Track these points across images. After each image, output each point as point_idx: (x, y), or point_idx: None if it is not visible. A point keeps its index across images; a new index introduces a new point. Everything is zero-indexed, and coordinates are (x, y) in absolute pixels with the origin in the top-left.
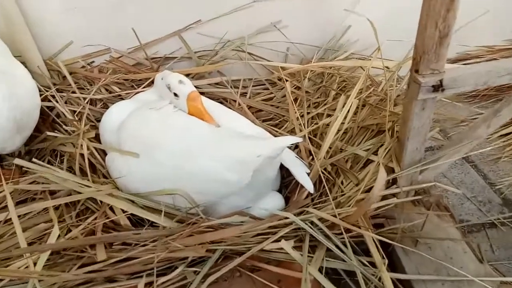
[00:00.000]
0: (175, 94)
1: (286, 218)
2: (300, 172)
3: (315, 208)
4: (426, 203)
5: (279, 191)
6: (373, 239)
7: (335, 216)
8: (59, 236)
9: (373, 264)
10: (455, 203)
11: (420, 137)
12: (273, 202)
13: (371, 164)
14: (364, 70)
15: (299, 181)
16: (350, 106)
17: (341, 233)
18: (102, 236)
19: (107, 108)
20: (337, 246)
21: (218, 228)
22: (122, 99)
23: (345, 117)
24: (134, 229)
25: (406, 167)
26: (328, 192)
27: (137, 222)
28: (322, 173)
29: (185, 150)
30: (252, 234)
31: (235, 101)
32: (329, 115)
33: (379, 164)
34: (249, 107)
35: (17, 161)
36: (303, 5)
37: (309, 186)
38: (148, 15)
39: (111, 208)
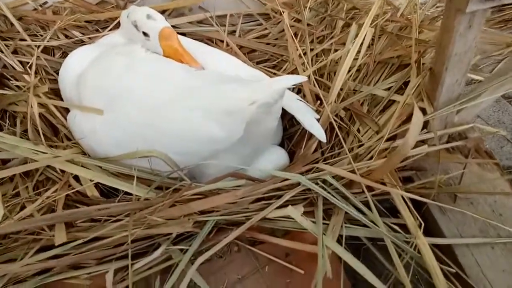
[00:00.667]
0: (145, 34)
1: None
2: (308, 118)
3: (327, 163)
4: (463, 149)
5: (281, 145)
6: (403, 198)
7: (353, 172)
8: (6, 217)
9: (403, 228)
10: (493, 147)
11: (463, 66)
12: (274, 159)
13: (393, 106)
14: None
15: (306, 128)
16: (365, 37)
17: (362, 192)
18: (56, 215)
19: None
20: (358, 209)
21: (209, 195)
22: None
23: (359, 51)
24: (103, 201)
25: (442, 106)
26: (343, 143)
27: (109, 192)
28: (334, 120)
29: (158, 102)
30: (250, 200)
31: (222, 41)
32: (337, 51)
33: (405, 104)
34: (240, 47)
35: None
36: None
37: (320, 133)
38: None
39: (77, 178)
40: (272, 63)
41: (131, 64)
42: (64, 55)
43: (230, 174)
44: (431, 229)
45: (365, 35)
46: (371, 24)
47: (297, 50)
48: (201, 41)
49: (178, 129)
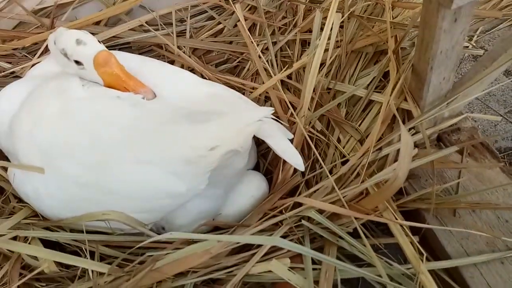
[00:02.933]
0: (77, 62)
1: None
2: (281, 143)
3: (308, 190)
4: (455, 142)
5: (257, 164)
6: (403, 228)
7: (339, 201)
8: None
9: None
10: (486, 127)
11: (450, 62)
12: (253, 189)
13: (373, 105)
14: None
15: (279, 155)
16: (332, 26)
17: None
18: None
19: None
20: (350, 244)
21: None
22: (20, 77)
23: (327, 43)
24: (65, 272)
25: (429, 107)
26: (323, 165)
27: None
28: (310, 133)
29: (101, 156)
30: (227, 251)
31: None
32: (304, 42)
33: (388, 106)
34: (194, 50)
35: None
36: None
37: (296, 161)
38: None
39: None
40: (233, 64)
41: (66, 109)
42: None
43: (204, 224)
44: (431, 244)
45: (332, 23)
46: (337, 8)
47: (257, 48)
48: (150, 49)
49: (131, 188)
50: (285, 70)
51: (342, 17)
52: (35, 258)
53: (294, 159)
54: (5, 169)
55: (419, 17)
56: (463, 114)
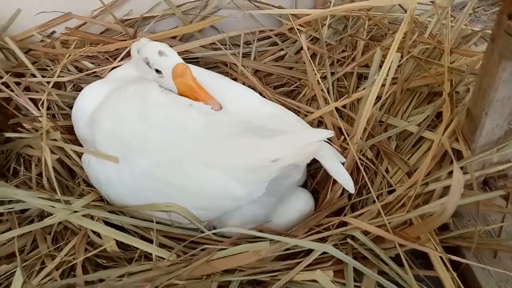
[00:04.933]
0: (157, 71)
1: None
2: (334, 165)
3: (354, 212)
4: (501, 188)
5: (304, 183)
6: (444, 262)
7: (384, 226)
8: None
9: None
10: None
11: (505, 111)
12: (301, 206)
13: (424, 142)
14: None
15: (332, 175)
16: (391, 64)
17: (394, 247)
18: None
19: (80, 91)
20: (392, 269)
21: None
22: (99, 76)
23: (384, 79)
24: (123, 254)
25: (480, 150)
26: (371, 190)
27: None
28: (360, 160)
29: (174, 156)
30: (274, 258)
31: (236, 65)
32: (360, 75)
33: (440, 144)
34: (256, 71)
35: None
36: None
37: (347, 183)
38: None
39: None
40: (290, 88)
41: (145, 111)
42: (76, 87)
43: (255, 228)
44: (469, 283)
45: (391, 62)
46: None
47: (316, 74)
48: (215, 65)
49: (198, 187)
50: (344, 99)
51: (401, 57)
52: (99, 237)
53: (346, 181)
54: (78, 155)
55: (477, 65)
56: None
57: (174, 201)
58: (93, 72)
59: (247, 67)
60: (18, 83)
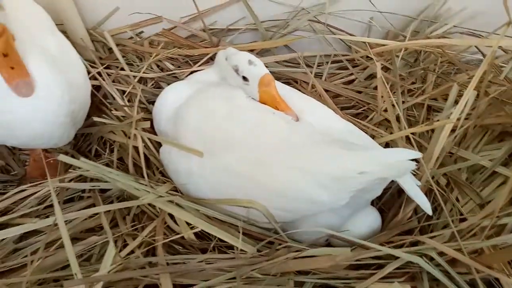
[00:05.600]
0: (244, 78)
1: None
2: (413, 187)
3: (424, 235)
4: None
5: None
6: None
7: (459, 250)
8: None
9: None
10: None
11: None
12: (370, 222)
13: (496, 177)
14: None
15: (411, 196)
16: (467, 101)
17: (467, 273)
18: (169, 267)
19: (158, 88)
20: None
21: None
22: (176, 77)
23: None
24: (198, 244)
25: None
26: (447, 214)
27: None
28: (430, 186)
29: (260, 156)
30: (347, 265)
31: (306, 83)
32: (429, 107)
33: None
34: (325, 91)
35: (62, 157)
36: None
37: (426, 205)
38: None
39: (171, 214)
40: (357, 111)
41: (233, 111)
42: (156, 85)
43: (330, 235)
44: None
45: (468, 99)
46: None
47: (392, 99)
48: (285, 81)
49: (282, 187)
50: (421, 126)
51: (477, 95)
52: (176, 223)
53: (424, 203)
54: (154, 146)
55: None
56: None
57: (254, 198)
58: (173, 73)
59: (320, 87)
60: (108, 74)
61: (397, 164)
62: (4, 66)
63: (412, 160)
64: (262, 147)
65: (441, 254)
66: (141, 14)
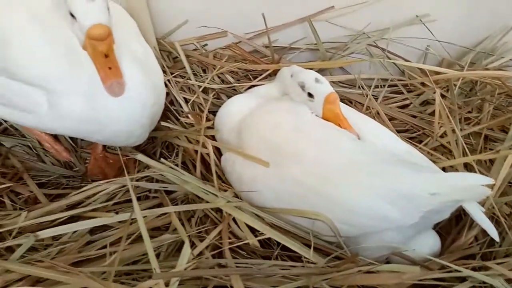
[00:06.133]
0: (310, 95)
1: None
2: (479, 213)
3: (484, 260)
4: None
5: None
6: None
7: None
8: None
9: None
10: None
11: None
12: (431, 244)
13: None
14: None
15: (476, 221)
16: None
17: None
18: (241, 269)
19: (218, 99)
20: None
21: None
22: (235, 90)
23: None
24: (261, 250)
25: None
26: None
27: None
28: (492, 214)
29: (327, 170)
30: (410, 284)
31: (361, 104)
32: (486, 137)
33: None
34: (378, 113)
35: (140, 157)
36: None
37: (492, 230)
38: None
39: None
40: (411, 134)
41: (300, 125)
42: (216, 95)
43: (395, 253)
44: None
45: None
46: None
47: (452, 128)
48: (341, 101)
49: (351, 202)
50: (490, 153)
51: None
52: (239, 228)
53: (491, 229)
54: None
55: None
56: None
57: (319, 209)
58: (233, 86)
59: (372, 108)
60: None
61: (471, 188)
62: (103, 66)
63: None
64: (329, 161)
65: (508, 281)
66: (207, 28)
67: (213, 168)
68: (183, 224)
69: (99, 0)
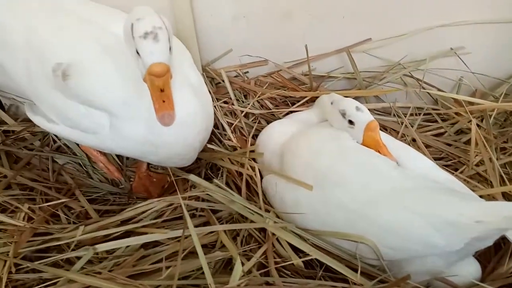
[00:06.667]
0: (350, 122)
1: None
2: None
3: None
4: None
5: None
6: None
7: None
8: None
9: None
10: None
11: None
12: (472, 271)
13: None
14: None
15: None
16: None
17: None
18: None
19: (258, 123)
20: None
21: None
22: (273, 115)
23: None
24: (305, 270)
25: None
26: None
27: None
28: None
29: (372, 195)
30: None
31: (395, 131)
32: None
33: None
34: (412, 140)
35: (192, 177)
36: (494, 31)
37: None
38: (313, 28)
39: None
40: (446, 162)
41: (343, 151)
42: (256, 120)
43: (437, 278)
44: None
45: None
46: None
47: (489, 157)
48: None
49: (395, 227)
50: None
51: None
52: (284, 250)
53: None
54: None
55: None
56: None
57: (362, 233)
58: (271, 111)
59: (407, 135)
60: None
61: None
62: (158, 99)
63: None
64: (375, 186)
65: None
66: (249, 56)
67: (260, 191)
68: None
69: (163, 42)
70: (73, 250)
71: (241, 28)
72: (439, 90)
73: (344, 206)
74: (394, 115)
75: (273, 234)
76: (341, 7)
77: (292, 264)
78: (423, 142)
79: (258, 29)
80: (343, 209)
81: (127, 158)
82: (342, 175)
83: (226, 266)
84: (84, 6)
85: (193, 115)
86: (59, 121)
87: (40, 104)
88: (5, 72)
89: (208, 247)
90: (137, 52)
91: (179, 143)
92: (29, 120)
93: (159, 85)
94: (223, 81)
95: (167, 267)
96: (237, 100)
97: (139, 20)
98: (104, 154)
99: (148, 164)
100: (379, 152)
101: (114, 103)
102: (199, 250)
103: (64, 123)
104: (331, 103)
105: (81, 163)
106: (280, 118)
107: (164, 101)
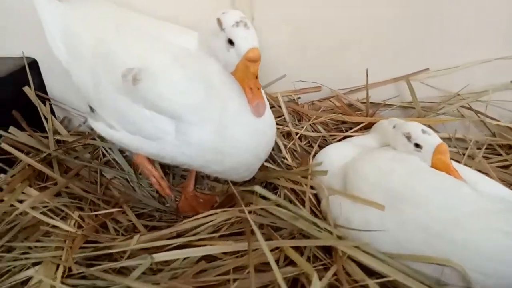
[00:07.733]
0: (417, 145)
1: None
2: None
3: None
4: None
5: None
6: None
7: None
8: None
9: None
10: None
11: None
12: None
13: None
14: None
15: None
16: None
17: None
18: None
19: (310, 146)
20: None
21: None
22: (325, 140)
23: None
24: None
25: None
26: None
27: None
28: None
29: (456, 215)
30: None
31: (458, 162)
32: None
33: None
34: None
35: (257, 188)
36: None
37: None
38: (368, 58)
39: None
40: None
41: (415, 172)
42: (308, 143)
43: None
44: None
45: None
46: None
47: None
48: None
49: (484, 249)
50: None
51: None
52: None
53: None
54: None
55: None
56: None
57: (443, 255)
58: (324, 136)
59: (470, 166)
60: None
61: None
62: (253, 86)
63: None
64: (458, 207)
65: None
66: (303, 82)
67: (329, 209)
68: (291, 262)
69: (253, 29)
70: (128, 258)
71: (297, 54)
72: (496, 120)
73: (424, 227)
74: (454, 146)
75: (343, 253)
76: (397, 38)
77: (365, 285)
78: (485, 173)
79: (314, 56)
80: (423, 230)
81: (174, 177)
82: (419, 195)
83: (293, 285)
84: (150, 22)
85: (268, 123)
86: (121, 127)
87: (103, 110)
88: (73, 79)
89: (267, 264)
90: (229, 43)
91: (249, 150)
92: (81, 133)
93: (255, 71)
94: (280, 106)
95: (234, 280)
96: (291, 123)
97: (225, 14)
98: (157, 170)
99: (195, 184)
100: (448, 174)
101: (184, 107)
102: (272, 263)
103: (126, 129)
104: (393, 127)
105: (128, 179)
106: (332, 143)
107: (258, 89)
